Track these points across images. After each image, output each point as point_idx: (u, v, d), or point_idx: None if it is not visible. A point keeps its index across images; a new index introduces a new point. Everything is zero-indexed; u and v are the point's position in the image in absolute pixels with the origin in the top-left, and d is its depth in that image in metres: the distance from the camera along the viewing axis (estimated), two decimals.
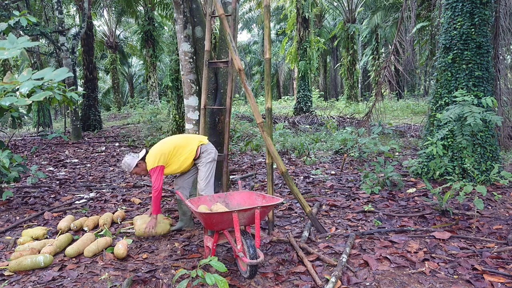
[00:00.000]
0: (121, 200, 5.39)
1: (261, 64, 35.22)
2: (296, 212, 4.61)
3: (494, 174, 4.81)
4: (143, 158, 3.82)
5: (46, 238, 3.97)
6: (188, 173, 4.03)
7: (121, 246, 3.45)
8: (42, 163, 8.67)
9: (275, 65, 35.34)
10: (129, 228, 4.21)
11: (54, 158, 9.23)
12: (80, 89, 18.75)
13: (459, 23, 5.38)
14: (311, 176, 6.42)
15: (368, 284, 2.84)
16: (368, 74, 28.31)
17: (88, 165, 8.37)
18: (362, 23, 26.00)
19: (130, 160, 3.78)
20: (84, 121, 15.06)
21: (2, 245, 3.85)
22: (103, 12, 24.14)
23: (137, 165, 3.79)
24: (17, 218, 4.73)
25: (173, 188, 4.11)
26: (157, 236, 3.98)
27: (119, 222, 4.39)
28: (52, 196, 5.72)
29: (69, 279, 3.09)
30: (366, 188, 5.24)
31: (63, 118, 18.82)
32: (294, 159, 8.00)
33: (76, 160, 8.92)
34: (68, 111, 16.07)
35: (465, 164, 4.98)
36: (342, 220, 4.24)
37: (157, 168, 3.70)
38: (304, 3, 17.79)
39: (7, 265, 3.30)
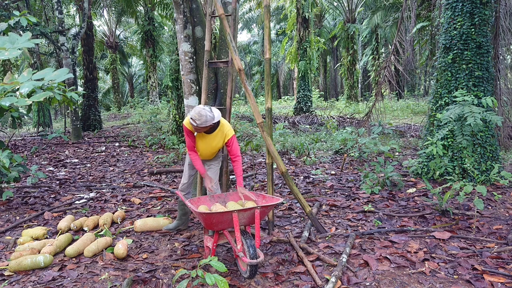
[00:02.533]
0: (121, 200, 5.40)
1: (261, 64, 35.22)
2: (296, 212, 4.61)
3: (494, 174, 4.81)
4: (216, 122, 3.43)
5: (46, 238, 3.97)
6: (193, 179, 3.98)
7: (121, 246, 3.45)
8: (42, 163, 8.67)
9: (275, 65, 35.35)
10: (129, 228, 4.22)
11: (54, 158, 9.23)
12: (80, 89, 18.75)
13: (459, 23, 5.38)
14: (311, 176, 6.42)
15: (368, 284, 2.84)
16: (368, 74, 28.31)
17: (88, 165, 8.37)
18: (362, 23, 26.00)
19: (210, 118, 3.26)
20: (84, 121, 15.06)
21: (2, 245, 3.85)
22: (103, 12, 24.13)
23: (210, 126, 3.34)
24: (17, 218, 4.73)
25: (173, 189, 4.10)
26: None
27: (119, 222, 4.39)
28: (52, 196, 5.72)
29: (69, 279, 3.09)
30: (366, 188, 5.24)
31: (63, 118, 18.82)
32: (294, 159, 8.00)
33: (76, 160, 8.92)
34: (68, 111, 16.07)
35: (465, 164, 4.98)
36: (342, 220, 4.24)
37: (234, 136, 3.53)
38: (304, 3, 17.79)
39: (7, 265, 3.30)
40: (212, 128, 3.47)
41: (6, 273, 3.21)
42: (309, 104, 18.41)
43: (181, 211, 4.08)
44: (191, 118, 3.27)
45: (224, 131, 3.50)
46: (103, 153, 9.89)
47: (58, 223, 4.38)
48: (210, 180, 3.62)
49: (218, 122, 3.48)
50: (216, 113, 3.41)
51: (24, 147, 11.37)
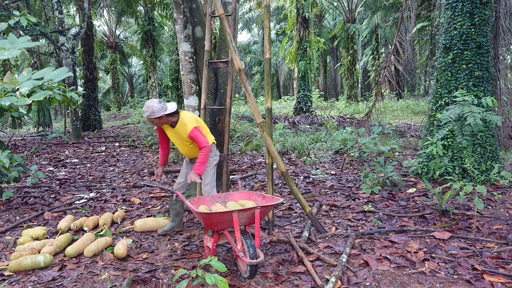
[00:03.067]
0: (121, 200, 5.40)
1: (261, 64, 35.23)
2: (296, 212, 4.61)
3: (494, 174, 4.81)
4: (169, 114, 3.55)
5: (46, 238, 3.97)
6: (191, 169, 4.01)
7: (121, 246, 3.45)
8: (42, 163, 8.68)
9: (275, 65, 35.35)
10: (129, 228, 4.22)
11: (54, 158, 9.23)
12: (80, 89, 18.76)
13: (459, 23, 5.38)
14: (311, 176, 6.42)
15: (368, 284, 2.84)
16: (368, 74, 28.32)
17: (88, 165, 8.37)
18: (362, 23, 26.01)
19: (157, 109, 3.44)
20: (84, 121, 15.06)
21: (2, 245, 3.85)
22: (103, 12, 24.14)
23: (159, 117, 3.49)
24: (17, 218, 4.73)
25: (172, 189, 4.10)
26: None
27: (119, 222, 4.39)
28: (52, 196, 5.72)
29: (69, 279, 3.09)
30: (366, 188, 5.24)
31: (63, 118, 18.82)
32: (294, 159, 8.00)
33: (76, 160, 8.92)
34: (68, 111, 16.07)
35: (465, 164, 4.98)
36: (342, 220, 4.24)
37: (198, 127, 3.58)
38: (304, 3, 17.79)
39: (7, 265, 3.30)
40: (172, 121, 3.58)
41: (6, 273, 3.21)
42: (309, 104, 18.42)
43: (173, 212, 4.03)
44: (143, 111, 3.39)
45: (185, 124, 3.56)
46: (103, 153, 9.89)
47: (58, 223, 4.38)
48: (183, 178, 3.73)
49: (175, 115, 3.57)
50: (170, 106, 3.52)
51: (24, 147, 11.37)
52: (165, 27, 26.28)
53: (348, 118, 13.88)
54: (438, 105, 5.59)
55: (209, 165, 3.81)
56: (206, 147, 3.52)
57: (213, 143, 3.87)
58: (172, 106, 3.54)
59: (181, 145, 3.77)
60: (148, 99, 23.47)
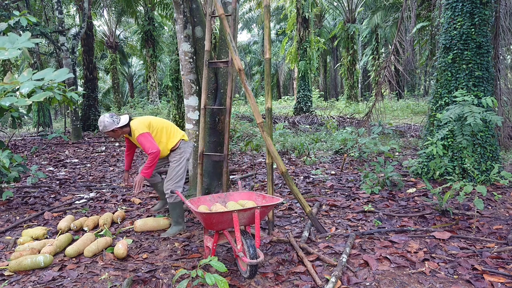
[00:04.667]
0: (121, 200, 5.40)
1: (261, 64, 35.23)
2: (296, 212, 4.61)
3: (494, 174, 4.81)
4: (122, 126, 3.79)
5: (46, 238, 3.97)
6: (159, 163, 4.21)
7: (121, 246, 3.45)
8: (42, 163, 8.68)
9: (275, 65, 35.35)
10: (129, 228, 4.22)
11: (54, 158, 9.23)
12: (80, 89, 18.76)
13: (459, 23, 5.38)
14: (311, 176, 6.42)
15: (368, 284, 2.84)
16: (368, 74, 28.32)
17: (88, 165, 8.37)
18: (362, 23, 26.01)
19: (108, 122, 3.70)
20: (84, 121, 15.07)
21: (2, 245, 3.85)
22: (103, 12, 24.14)
23: (113, 130, 3.76)
24: (17, 218, 4.73)
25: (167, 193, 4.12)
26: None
27: (119, 222, 4.39)
28: (52, 196, 5.72)
29: (69, 279, 3.09)
30: (366, 188, 5.24)
31: (63, 118, 18.82)
32: (294, 159, 8.00)
33: (76, 160, 8.92)
34: (68, 111, 16.07)
35: (465, 164, 4.98)
36: (342, 220, 4.24)
37: (146, 133, 3.73)
38: (304, 3, 17.80)
39: (7, 265, 3.30)
40: (127, 132, 3.84)
41: (6, 273, 3.21)
42: (309, 104, 18.42)
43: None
44: None
45: (133, 131, 3.76)
46: (103, 153, 9.89)
47: (58, 223, 4.38)
48: (136, 180, 3.84)
49: (128, 126, 3.80)
50: (123, 119, 3.77)
51: (24, 147, 11.37)
52: (165, 27, 26.28)
53: (348, 118, 13.88)
54: (438, 105, 5.59)
55: (175, 161, 3.95)
56: (152, 154, 3.66)
57: (182, 139, 4.01)
58: (124, 119, 3.79)
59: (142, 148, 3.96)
60: (148, 99, 23.47)
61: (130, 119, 3.83)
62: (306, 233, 3.76)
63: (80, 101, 14.91)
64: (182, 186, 3.98)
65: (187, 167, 4.06)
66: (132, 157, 4.28)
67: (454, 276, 2.91)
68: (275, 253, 3.46)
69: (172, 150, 3.99)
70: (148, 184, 6.16)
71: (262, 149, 9.04)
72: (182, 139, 4.01)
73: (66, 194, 5.83)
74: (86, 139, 12.64)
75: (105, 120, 3.70)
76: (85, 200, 5.43)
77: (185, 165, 3.98)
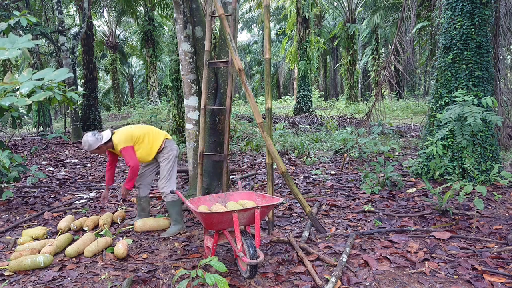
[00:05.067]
0: (121, 200, 5.40)
1: (261, 64, 35.22)
2: (296, 212, 4.61)
3: (494, 174, 4.81)
4: (106, 142, 3.87)
5: (46, 238, 3.97)
6: (149, 170, 4.28)
7: (121, 246, 3.45)
8: (42, 163, 8.67)
9: (275, 65, 35.35)
10: (128, 228, 4.22)
11: (54, 158, 9.23)
12: (80, 89, 18.76)
13: (459, 23, 5.38)
14: (311, 176, 6.42)
15: (368, 284, 2.84)
16: (368, 74, 28.31)
17: (88, 165, 8.37)
18: (362, 23, 26.00)
19: (92, 141, 3.79)
20: (84, 121, 15.06)
21: (2, 245, 3.85)
22: (103, 12, 24.14)
23: (98, 147, 3.84)
24: (17, 218, 4.73)
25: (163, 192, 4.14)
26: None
27: (119, 222, 4.39)
28: (52, 196, 5.72)
29: (69, 279, 3.09)
30: (366, 188, 5.24)
31: (63, 118, 18.82)
32: (294, 159, 8.00)
33: (76, 160, 8.92)
34: (68, 111, 16.07)
35: (465, 164, 4.98)
36: (342, 220, 4.24)
37: (128, 147, 3.85)
38: (304, 3, 17.79)
39: (7, 265, 3.30)
40: (111, 146, 3.91)
41: (6, 273, 3.21)
42: (309, 104, 18.41)
43: (139, 207, 4.29)
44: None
45: (116, 145, 3.87)
46: None
47: (58, 223, 4.38)
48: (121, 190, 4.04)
49: (110, 141, 3.87)
50: (105, 135, 3.87)
51: (24, 147, 11.37)
52: (165, 27, 26.28)
53: (348, 118, 13.88)
54: (438, 105, 5.59)
55: (164, 160, 4.03)
56: (132, 167, 3.83)
57: (166, 138, 4.07)
58: (106, 135, 3.89)
59: (146, 155, 4.04)
60: (148, 99, 23.47)
61: (112, 133, 3.93)
62: (306, 233, 3.76)
63: (80, 101, 14.91)
64: (175, 182, 4.08)
65: (176, 164, 4.14)
66: (114, 171, 4.28)
67: (454, 276, 2.91)
68: (275, 253, 3.46)
69: (159, 152, 4.06)
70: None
71: (262, 149, 9.04)
72: (166, 139, 4.09)
73: (66, 194, 5.83)
74: None
75: (89, 139, 3.79)
76: (85, 200, 5.43)
77: (174, 162, 4.08)
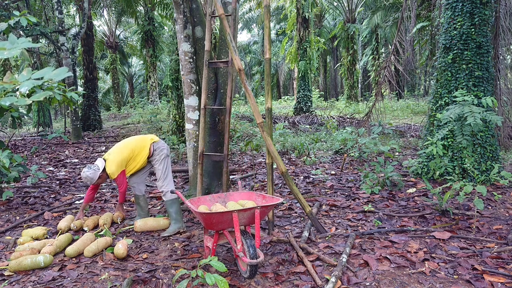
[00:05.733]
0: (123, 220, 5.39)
1: (261, 64, 35.22)
2: (296, 212, 4.61)
3: (494, 174, 4.81)
4: (103, 169, 3.95)
5: (46, 238, 3.97)
6: (142, 170, 4.31)
7: (121, 246, 3.45)
8: (42, 163, 8.67)
9: (275, 65, 35.34)
10: (128, 228, 4.22)
11: (54, 158, 9.23)
12: (80, 89, 18.76)
13: (459, 23, 5.38)
14: (311, 176, 6.42)
15: (368, 284, 2.84)
16: (368, 74, 28.31)
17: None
18: (362, 23, 26.00)
19: (92, 174, 3.86)
20: (84, 121, 15.06)
21: (2, 245, 3.85)
22: (103, 12, 24.14)
23: (99, 177, 3.93)
24: (17, 218, 4.73)
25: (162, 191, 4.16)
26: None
27: (119, 222, 4.39)
28: (52, 196, 5.72)
29: (69, 279, 3.09)
30: (366, 188, 5.24)
31: (63, 118, 18.82)
32: (294, 159, 8.00)
33: (76, 160, 8.92)
34: (68, 111, 16.07)
35: (465, 164, 4.98)
36: (342, 220, 4.24)
37: (121, 174, 3.99)
38: (304, 3, 17.79)
39: (7, 265, 3.30)
40: (106, 177, 4.00)
41: (6, 273, 3.21)
42: (309, 104, 18.41)
43: (138, 207, 4.35)
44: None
45: (111, 175, 3.95)
46: (103, 153, 9.89)
47: (58, 223, 4.38)
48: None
49: (104, 171, 3.94)
50: (99, 163, 3.96)
51: (24, 147, 11.37)
52: (165, 27, 26.27)
53: (348, 118, 13.88)
54: (438, 105, 5.59)
55: (157, 161, 4.10)
56: (122, 192, 4.11)
57: (153, 142, 4.14)
58: (101, 163, 3.96)
59: (137, 165, 4.17)
60: (148, 99, 23.47)
61: (104, 160, 3.99)
62: (306, 233, 3.76)
63: (80, 101, 14.91)
64: (172, 179, 4.14)
65: (169, 162, 4.21)
66: (95, 193, 4.31)
67: (454, 276, 2.91)
68: (275, 253, 3.46)
69: (149, 156, 4.14)
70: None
71: (262, 149, 9.03)
72: (153, 142, 4.15)
73: (66, 194, 5.83)
74: (86, 139, 12.64)
75: (88, 174, 3.85)
76: None
77: (166, 160, 4.15)
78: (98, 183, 4.01)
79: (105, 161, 3.98)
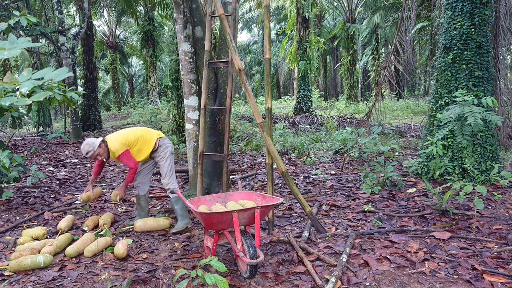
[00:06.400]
0: (121, 200, 5.39)
1: (261, 64, 35.21)
2: (296, 212, 4.61)
3: (494, 174, 4.81)
4: (103, 142, 3.94)
5: (46, 238, 3.97)
6: (146, 169, 4.32)
7: (121, 246, 3.45)
8: (42, 163, 8.67)
9: (275, 65, 35.34)
10: (128, 228, 4.22)
11: (54, 158, 9.23)
12: (80, 89, 18.75)
13: (459, 23, 5.38)
14: (311, 176, 6.42)
15: (368, 284, 2.84)
16: (368, 74, 28.31)
17: (88, 165, 8.37)
18: (362, 23, 26.00)
19: (92, 142, 3.86)
20: (84, 121, 15.06)
21: (2, 245, 3.85)
22: (103, 12, 24.14)
23: (99, 145, 3.88)
24: (17, 218, 4.73)
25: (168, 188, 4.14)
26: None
27: (117, 201, 4.16)
28: (52, 196, 5.72)
29: (69, 279, 3.09)
30: (366, 188, 5.24)
31: (63, 118, 18.82)
32: (294, 159, 8.00)
33: (76, 160, 8.92)
34: (68, 111, 16.07)
35: (465, 164, 4.98)
36: (342, 220, 4.24)
37: (125, 152, 3.93)
38: (304, 3, 17.79)
39: (7, 265, 3.30)
40: (106, 150, 3.94)
41: (6, 273, 3.21)
42: (309, 104, 18.40)
43: (139, 207, 4.34)
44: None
45: (113, 153, 3.93)
46: None
47: (58, 223, 4.38)
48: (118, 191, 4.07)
49: (105, 149, 3.92)
50: (96, 140, 3.94)
51: (24, 147, 11.38)
52: (165, 27, 26.27)
53: (348, 118, 13.88)
54: (438, 105, 5.59)
55: (162, 158, 4.12)
56: (132, 168, 3.94)
57: (159, 137, 4.14)
58: (97, 139, 3.96)
59: (140, 156, 4.10)
60: (148, 99, 23.48)
61: (103, 141, 3.98)
62: (306, 233, 3.76)
63: (80, 101, 14.91)
64: (175, 178, 4.19)
65: (173, 160, 4.23)
66: (102, 168, 4.31)
67: (454, 276, 2.91)
68: (275, 253, 3.46)
69: (154, 151, 4.13)
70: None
71: (262, 149, 9.04)
72: (159, 138, 4.16)
73: (66, 194, 5.83)
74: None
75: (88, 141, 3.89)
76: None
77: (171, 158, 4.17)
78: (101, 157, 3.92)
79: (104, 142, 3.96)
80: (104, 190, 6.01)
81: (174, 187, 4.09)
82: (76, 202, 4.17)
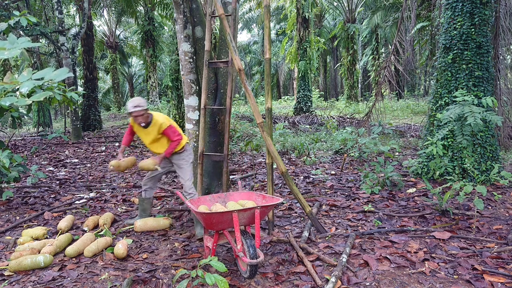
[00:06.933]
0: (121, 200, 5.40)
1: (261, 64, 35.22)
2: (296, 212, 4.61)
3: (494, 174, 4.81)
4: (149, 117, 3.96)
5: (46, 238, 3.97)
6: (161, 174, 4.37)
7: (121, 246, 3.45)
8: (42, 163, 8.67)
9: (275, 65, 35.34)
10: (128, 228, 4.22)
11: (54, 158, 9.23)
12: (80, 89, 18.76)
13: (459, 23, 5.38)
14: (311, 176, 6.42)
15: (368, 284, 2.84)
16: (368, 74, 28.31)
17: (88, 165, 8.37)
18: (362, 23, 26.00)
19: (143, 102, 3.85)
20: (84, 121, 15.06)
21: (2, 245, 3.85)
22: (103, 12, 24.14)
23: (146, 108, 3.86)
24: (17, 218, 4.73)
25: (173, 189, 4.15)
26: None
27: (158, 168, 4.17)
28: (52, 196, 5.72)
29: (69, 279, 3.09)
30: (366, 188, 5.24)
31: (63, 118, 18.82)
32: (294, 159, 8.00)
33: (76, 160, 8.92)
34: (68, 111, 16.07)
35: (465, 164, 4.98)
36: (342, 220, 4.24)
37: (171, 125, 4.01)
38: (304, 3, 17.79)
39: (7, 265, 3.30)
40: (147, 118, 3.92)
41: (6, 273, 3.21)
42: (309, 104, 18.41)
43: (141, 207, 4.35)
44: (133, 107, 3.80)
45: (158, 124, 3.95)
46: (103, 153, 9.89)
47: (58, 223, 4.38)
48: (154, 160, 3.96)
49: (150, 118, 3.94)
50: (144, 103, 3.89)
51: (24, 147, 11.38)
52: (165, 27, 26.27)
53: (348, 118, 13.88)
54: (438, 105, 5.59)
55: (186, 162, 4.17)
56: (176, 141, 3.99)
57: (187, 143, 4.24)
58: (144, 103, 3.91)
59: (150, 140, 4.09)
60: (148, 99, 23.48)
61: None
62: (306, 233, 3.76)
63: (80, 101, 14.91)
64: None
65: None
66: (132, 138, 4.33)
67: (454, 276, 2.91)
68: (275, 253, 3.46)
69: (178, 152, 4.14)
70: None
71: (262, 149, 9.03)
72: (187, 143, 4.26)
73: (66, 194, 5.83)
74: (86, 139, 12.64)
75: (139, 98, 3.86)
76: (85, 200, 5.43)
77: (192, 165, 4.25)
78: (142, 119, 3.85)
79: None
80: (103, 190, 6.01)
81: (195, 193, 4.13)
82: (109, 166, 4.02)
